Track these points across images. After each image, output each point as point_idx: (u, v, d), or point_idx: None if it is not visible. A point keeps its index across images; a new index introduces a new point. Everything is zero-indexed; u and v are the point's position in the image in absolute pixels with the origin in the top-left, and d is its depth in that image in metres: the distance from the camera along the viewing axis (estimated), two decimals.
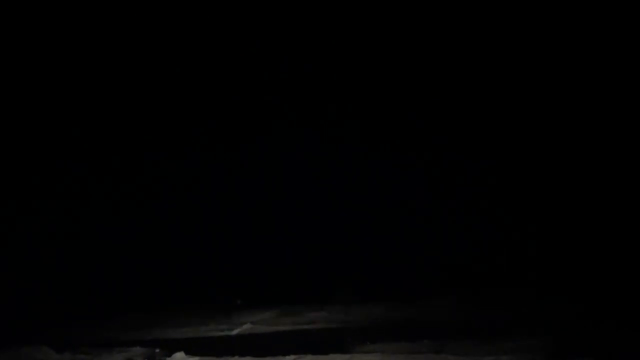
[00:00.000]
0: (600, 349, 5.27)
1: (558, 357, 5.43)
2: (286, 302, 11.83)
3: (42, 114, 13.67)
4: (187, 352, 6.99)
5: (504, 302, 9.24)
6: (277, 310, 11.41)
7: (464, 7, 12.73)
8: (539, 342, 6.22)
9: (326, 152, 13.98)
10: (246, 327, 9.64)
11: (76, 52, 13.71)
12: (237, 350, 7.16)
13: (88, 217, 13.55)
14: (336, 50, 13.76)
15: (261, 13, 13.70)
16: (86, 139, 13.93)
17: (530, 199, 11.60)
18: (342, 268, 12.39)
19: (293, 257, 13.18)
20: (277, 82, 14.04)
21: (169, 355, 6.94)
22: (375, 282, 11.65)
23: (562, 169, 11.65)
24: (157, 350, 7.43)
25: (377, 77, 13.77)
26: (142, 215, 13.66)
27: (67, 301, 11.41)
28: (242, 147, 14.40)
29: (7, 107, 13.15)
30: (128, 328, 9.70)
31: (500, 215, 11.68)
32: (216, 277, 12.73)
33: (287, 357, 6.54)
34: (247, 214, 14.09)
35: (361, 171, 13.84)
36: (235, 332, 9.05)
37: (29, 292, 11.62)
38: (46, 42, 13.45)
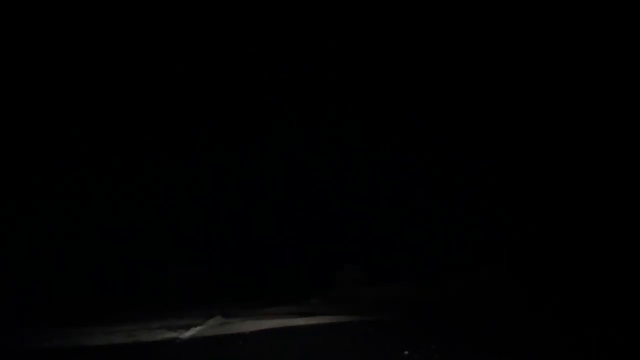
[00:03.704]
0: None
1: None
2: (274, 286, 10.92)
3: (42, 114, 13.63)
4: None
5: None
6: (262, 296, 9.95)
7: (464, 8, 12.69)
8: None
9: (326, 152, 13.98)
10: (211, 324, 7.15)
11: (76, 52, 13.67)
12: None
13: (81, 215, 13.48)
14: (336, 50, 13.72)
15: (261, 13, 13.67)
16: (86, 139, 13.88)
17: (530, 198, 11.54)
18: (341, 252, 12.30)
19: (285, 243, 13.11)
20: (277, 82, 14.01)
21: None
22: (374, 266, 11.44)
23: (561, 170, 11.59)
24: None
25: (377, 77, 13.74)
26: (132, 212, 13.65)
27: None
28: (242, 147, 14.41)
29: (7, 107, 13.11)
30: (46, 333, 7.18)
31: (500, 213, 11.63)
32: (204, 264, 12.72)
33: None
34: (246, 207, 14.11)
35: (361, 171, 13.85)
36: (188, 334, 6.25)
37: None
38: (46, 43, 13.42)
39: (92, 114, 13.86)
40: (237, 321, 7.41)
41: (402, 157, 13.35)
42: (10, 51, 12.82)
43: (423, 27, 13.11)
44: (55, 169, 13.28)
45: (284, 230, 13.44)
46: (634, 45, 10.41)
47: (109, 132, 13.95)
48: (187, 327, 6.83)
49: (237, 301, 9.99)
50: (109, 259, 12.80)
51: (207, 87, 14.37)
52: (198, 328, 6.78)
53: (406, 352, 4.80)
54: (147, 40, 13.84)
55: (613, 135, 10.19)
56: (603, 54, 10.86)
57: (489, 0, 12.52)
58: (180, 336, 6.12)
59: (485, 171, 12.19)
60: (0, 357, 5.65)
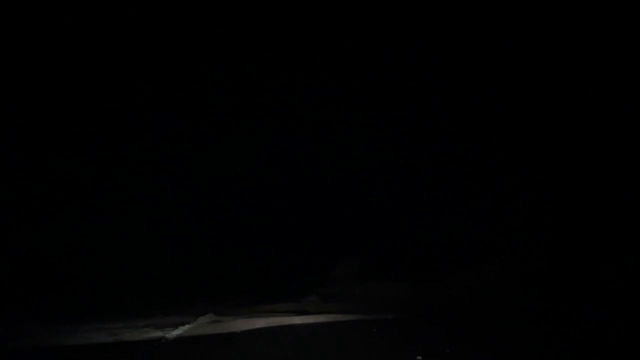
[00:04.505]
0: None
1: None
2: (270, 282, 10.68)
3: (41, 114, 13.27)
4: None
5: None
6: (257, 292, 9.62)
7: (463, 9, 12.49)
8: None
9: (322, 147, 13.79)
10: (201, 322, 6.56)
11: (76, 53, 13.35)
12: None
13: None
14: (335, 51, 13.54)
15: (261, 13, 13.45)
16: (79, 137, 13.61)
17: (533, 196, 11.25)
18: (338, 248, 12.04)
19: (282, 239, 12.87)
20: (276, 82, 13.83)
21: None
22: (372, 262, 11.13)
23: (565, 167, 11.31)
24: None
25: (376, 77, 13.54)
26: (124, 207, 13.41)
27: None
28: (238, 140, 14.21)
29: (7, 107, 12.73)
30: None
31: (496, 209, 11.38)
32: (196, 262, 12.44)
33: None
34: (241, 202, 13.93)
35: (359, 167, 13.66)
36: (175, 333, 5.68)
37: None
38: (46, 43, 13.04)
39: (92, 113, 13.60)
40: (229, 319, 6.90)
41: (402, 153, 13.11)
42: (10, 52, 12.43)
43: (422, 28, 12.91)
44: (48, 167, 12.95)
45: (281, 226, 13.20)
46: (634, 45, 10.19)
47: (107, 132, 13.72)
48: (175, 326, 6.32)
49: (231, 298, 9.60)
50: (98, 254, 12.46)
51: (206, 87, 14.21)
52: (187, 327, 6.26)
53: (419, 357, 4.34)
54: (147, 40, 13.57)
55: (614, 135, 9.96)
56: (603, 54, 10.67)
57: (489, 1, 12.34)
58: (167, 335, 5.60)
59: (487, 167, 11.95)
60: None
